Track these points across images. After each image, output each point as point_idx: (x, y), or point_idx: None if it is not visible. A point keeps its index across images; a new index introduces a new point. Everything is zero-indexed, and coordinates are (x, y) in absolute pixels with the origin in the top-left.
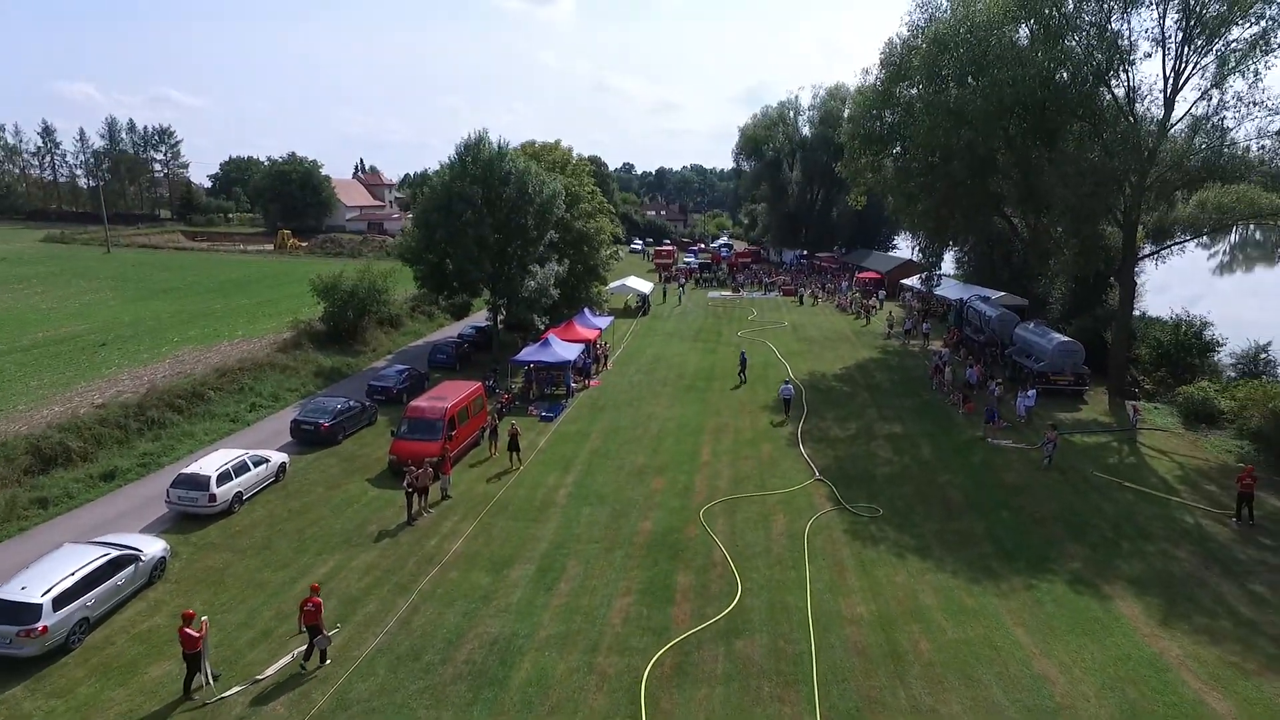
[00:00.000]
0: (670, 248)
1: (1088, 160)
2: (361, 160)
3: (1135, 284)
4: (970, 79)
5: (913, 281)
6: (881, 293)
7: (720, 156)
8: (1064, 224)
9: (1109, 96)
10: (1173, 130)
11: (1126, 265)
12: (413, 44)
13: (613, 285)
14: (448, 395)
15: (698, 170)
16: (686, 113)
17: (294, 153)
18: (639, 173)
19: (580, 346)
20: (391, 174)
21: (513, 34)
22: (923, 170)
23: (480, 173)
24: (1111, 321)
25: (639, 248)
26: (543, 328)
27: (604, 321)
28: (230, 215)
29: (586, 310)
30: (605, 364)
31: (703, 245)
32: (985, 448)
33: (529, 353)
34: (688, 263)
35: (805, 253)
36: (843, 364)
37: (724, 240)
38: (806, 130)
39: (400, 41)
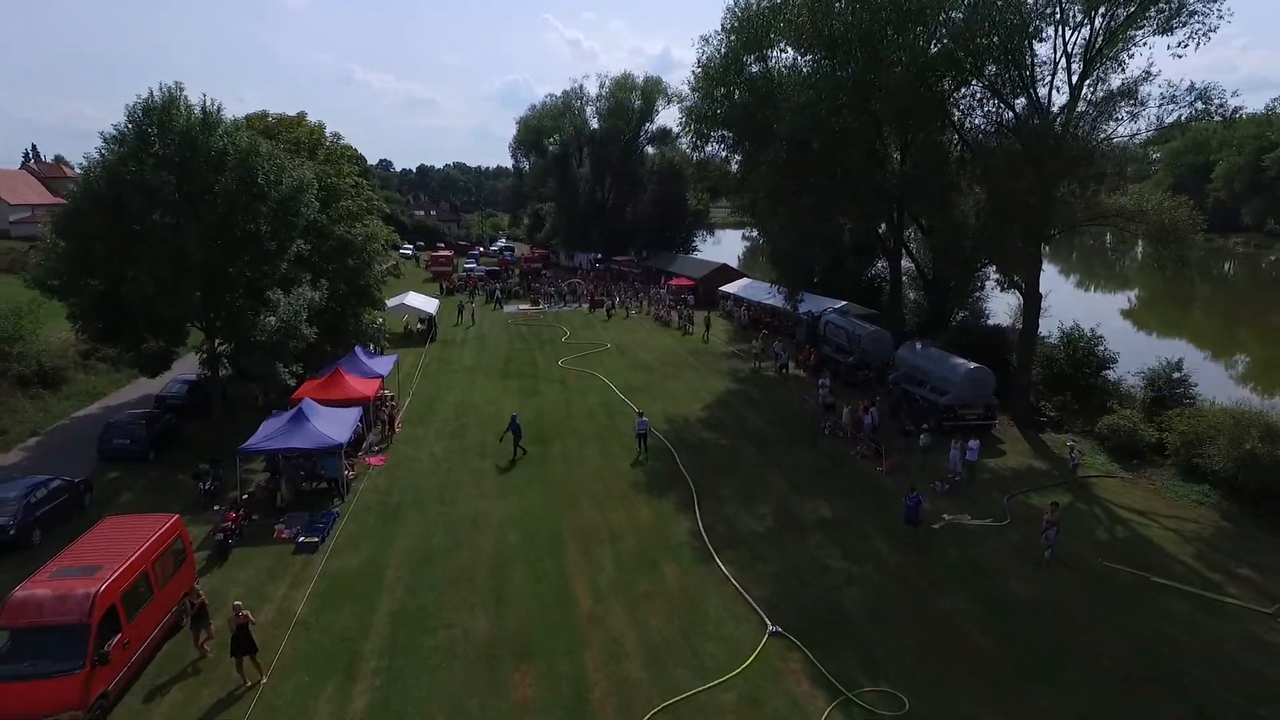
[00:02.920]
0: (448, 253)
1: (1018, 152)
2: (34, 146)
3: (1041, 295)
4: (884, 40)
5: (734, 289)
6: (690, 299)
7: (484, 155)
8: (987, 224)
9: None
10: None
11: (1032, 271)
12: (121, 21)
13: (389, 303)
14: (104, 557)
15: (462, 168)
16: (443, 110)
17: None
18: (398, 169)
19: (355, 412)
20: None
21: (239, 18)
22: (792, 162)
23: (173, 151)
24: (1007, 337)
25: (409, 253)
26: (294, 383)
27: (385, 364)
28: None
29: (358, 350)
30: (393, 428)
31: (481, 249)
32: (947, 533)
33: (270, 434)
34: (469, 269)
35: (600, 256)
36: (700, 401)
37: (503, 243)
38: (595, 123)
39: (100, 19)
